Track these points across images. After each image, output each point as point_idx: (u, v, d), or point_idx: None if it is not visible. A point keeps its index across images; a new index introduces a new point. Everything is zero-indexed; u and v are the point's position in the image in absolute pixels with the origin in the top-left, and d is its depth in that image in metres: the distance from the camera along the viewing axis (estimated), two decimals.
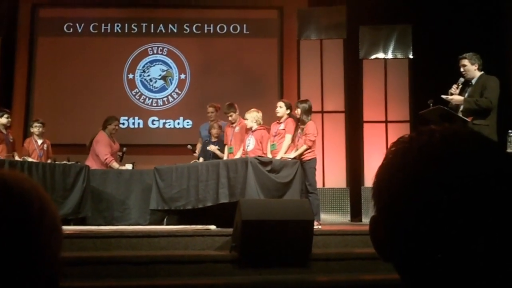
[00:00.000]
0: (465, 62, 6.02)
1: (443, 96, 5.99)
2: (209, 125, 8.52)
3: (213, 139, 8.34)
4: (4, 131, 8.05)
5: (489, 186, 0.73)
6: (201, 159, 8.22)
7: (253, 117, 7.52)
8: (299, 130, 7.18)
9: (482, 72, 6.05)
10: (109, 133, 8.57)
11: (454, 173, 0.73)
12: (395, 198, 0.77)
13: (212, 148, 8.14)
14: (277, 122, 7.46)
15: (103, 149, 8.38)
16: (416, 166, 0.76)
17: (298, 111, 7.22)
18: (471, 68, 6.00)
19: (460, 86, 6.00)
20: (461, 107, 5.94)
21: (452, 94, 6.00)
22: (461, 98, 5.91)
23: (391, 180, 0.79)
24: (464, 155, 0.75)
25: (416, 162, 0.76)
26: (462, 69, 6.04)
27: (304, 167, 7.05)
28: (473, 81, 6.03)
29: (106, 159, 8.32)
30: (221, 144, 8.22)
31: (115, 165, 8.27)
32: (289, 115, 7.43)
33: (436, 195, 0.73)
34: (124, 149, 8.71)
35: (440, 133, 0.79)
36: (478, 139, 0.78)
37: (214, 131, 8.33)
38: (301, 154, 7.03)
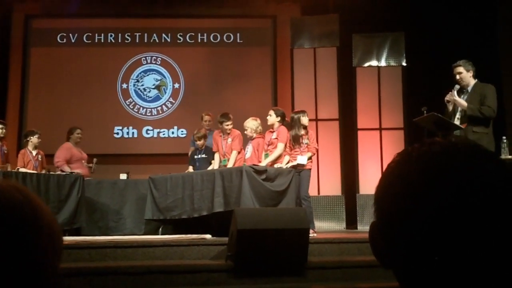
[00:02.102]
0: (461, 69, 5.98)
1: (447, 97, 5.94)
2: (198, 134, 8.39)
3: (200, 148, 8.31)
4: None
5: (489, 197, 0.73)
6: (190, 168, 8.20)
7: (252, 126, 7.52)
8: (306, 140, 7.21)
9: (477, 80, 6.03)
10: (74, 143, 8.54)
11: (453, 183, 0.74)
12: (394, 206, 0.78)
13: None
14: (270, 131, 7.47)
15: (58, 154, 8.38)
16: (414, 176, 0.77)
17: (306, 120, 7.28)
18: (466, 75, 5.97)
19: (455, 93, 5.95)
20: (457, 115, 5.92)
21: (448, 102, 5.97)
22: (465, 103, 5.85)
23: (390, 188, 0.80)
24: (463, 166, 0.76)
25: (414, 172, 0.77)
26: (458, 77, 6.00)
27: (301, 174, 7.07)
28: (469, 89, 5.99)
29: (57, 161, 8.28)
30: (208, 152, 8.20)
31: (66, 168, 8.19)
32: (281, 123, 7.44)
33: (435, 204, 0.74)
34: (95, 159, 8.68)
35: (441, 144, 0.80)
36: (478, 151, 0.79)
37: (198, 143, 8.29)
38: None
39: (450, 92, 5.97)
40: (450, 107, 5.96)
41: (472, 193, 0.73)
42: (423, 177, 0.76)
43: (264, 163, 7.10)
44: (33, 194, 0.81)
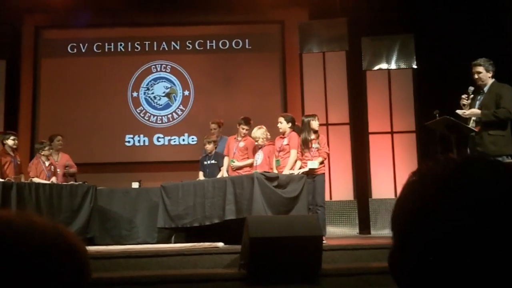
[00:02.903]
0: (480, 69, 5.77)
1: (459, 112, 5.74)
2: (207, 140, 8.44)
3: (209, 154, 8.32)
4: (11, 153, 8.08)
5: (508, 217, 0.72)
6: (201, 174, 8.21)
7: (260, 136, 7.52)
8: (315, 144, 7.19)
9: (494, 80, 5.83)
10: (55, 150, 8.58)
11: (469, 204, 0.73)
12: (412, 228, 0.77)
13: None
14: (281, 137, 7.46)
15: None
16: (430, 198, 0.76)
17: (316, 125, 7.26)
18: (485, 75, 5.77)
19: (471, 95, 5.80)
20: (473, 118, 5.79)
21: (464, 105, 5.79)
22: (477, 111, 5.69)
23: (407, 212, 0.79)
24: (479, 185, 0.75)
25: (430, 194, 0.76)
26: (476, 76, 5.80)
27: (316, 180, 7.06)
28: (485, 89, 5.81)
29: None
30: (217, 158, 8.22)
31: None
32: (292, 128, 7.43)
33: (453, 226, 0.73)
34: (67, 167, 8.72)
35: (456, 163, 0.79)
36: (493, 168, 0.78)
37: (206, 147, 8.31)
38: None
39: (463, 96, 5.82)
40: (467, 111, 5.79)
41: (490, 213, 0.72)
42: (439, 199, 0.75)
43: (285, 171, 7.07)
44: (58, 225, 0.79)
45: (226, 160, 8.02)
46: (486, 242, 0.71)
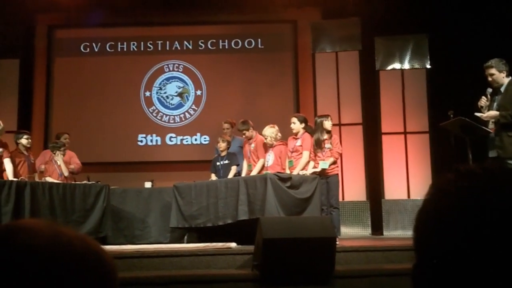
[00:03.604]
0: (493, 71, 5.70)
1: (477, 114, 5.66)
2: (221, 139, 8.45)
3: (222, 154, 8.31)
4: (24, 152, 8.12)
5: None
6: (213, 176, 8.20)
7: (270, 134, 7.50)
8: (328, 145, 7.16)
9: (510, 78, 5.74)
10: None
11: (495, 218, 0.72)
12: (434, 243, 0.76)
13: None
14: (294, 138, 7.44)
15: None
16: (455, 213, 0.74)
17: (329, 125, 7.23)
18: (499, 76, 5.69)
19: (489, 97, 5.72)
20: (491, 120, 5.70)
21: (481, 107, 5.70)
22: (495, 113, 5.60)
23: (429, 225, 0.78)
24: (505, 199, 0.73)
25: (455, 208, 0.75)
26: (490, 78, 5.72)
27: (329, 181, 7.04)
28: (502, 89, 5.72)
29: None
30: (230, 158, 8.21)
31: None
32: (305, 128, 7.41)
33: (477, 240, 0.71)
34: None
35: (481, 176, 0.77)
36: None
37: (219, 145, 8.29)
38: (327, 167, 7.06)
39: (483, 98, 5.72)
40: (485, 114, 5.68)
41: None
42: (462, 214, 0.73)
43: (295, 172, 7.05)
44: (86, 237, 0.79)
45: (244, 165, 8.02)
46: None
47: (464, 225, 0.73)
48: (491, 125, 5.65)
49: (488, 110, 5.71)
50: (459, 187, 0.77)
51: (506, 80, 5.75)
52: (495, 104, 5.74)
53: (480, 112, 5.73)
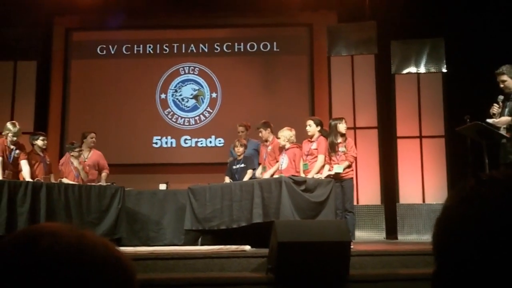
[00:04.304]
0: (504, 77, 5.73)
1: (489, 121, 5.66)
2: (237, 143, 8.46)
3: (238, 158, 8.30)
4: (40, 153, 8.18)
5: None
6: (227, 178, 8.20)
7: (285, 136, 7.51)
8: (342, 148, 7.14)
9: None
10: (87, 147, 8.66)
11: None
12: (455, 251, 0.75)
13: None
14: (309, 141, 7.42)
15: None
16: (477, 221, 0.74)
17: (343, 128, 7.20)
18: (511, 82, 5.73)
19: (501, 103, 5.74)
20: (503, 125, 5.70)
21: (494, 114, 5.72)
22: (508, 118, 5.63)
23: (449, 232, 0.77)
24: None
25: (477, 216, 0.74)
26: (501, 85, 5.76)
27: (344, 185, 7.01)
28: None
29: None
30: (247, 162, 8.20)
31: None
32: (320, 132, 7.40)
33: (497, 249, 0.71)
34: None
35: (503, 183, 0.76)
36: None
37: (237, 150, 8.30)
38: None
39: (495, 105, 5.73)
40: (497, 119, 5.69)
41: None
42: (484, 223, 0.73)
43: (310, 176, 7.04)
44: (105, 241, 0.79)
45: (261, 168, 8.04)
46: None
47: (487, 233, 0.72)
48: (502, 131, 5.64)
49: (500, 117, 5.69)
50: (481, 194, 0.76)
51: None
52: (506, 110, 5.75)
53: (493, 119, 5.70)
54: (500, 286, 0.70)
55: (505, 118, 5.66)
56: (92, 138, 8.71)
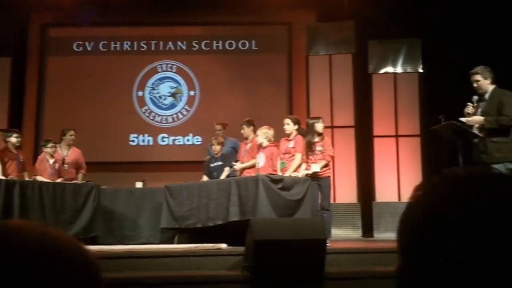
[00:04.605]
0: (478, 77, 5.87)
1: (462, 119, 5.79)
2: (215, 141, 8.45)
3: (216, 156, 8.29)
4: (14, 150, 8.07)
5: None
6: (205, 178, 8.18)
7: (263, 133, 7.51)
8: (319, 147, 7.17)
9: (495, 86, 5.91)
10: (66, 144, 8.61)
11: (482, 221, 0.71)
12: (418, 246, 0.76)
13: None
14: (286, 139, 7.44)
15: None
16: (440, 216, 0.74)
17: (320, 127, 7.23)
18: (484, 83, 5.86)
19: (475, 104, 5.86)
20: (476, 125, 5.82)
21: (468, 114, 5.83)
22: (481, 118, 5.75)
23: (412, 228, 0.78)
24: (489, 203, 0.73)
25: (439, 212, 0.75)
26: (475, 85, 5.89)
27: (321, 183, 7.04)
28: (487, 96, 5.89)
29: None
30: (224, 159, 8.19)
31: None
32: (298, 130, 7.42)
33: (459, 244, 0.71)
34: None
35: (465, 179, 0.77)
36: (505, 183, 0.76)
37: (214, 148, 8.28)
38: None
39: (469, 105, 5.84)
40: (470, 118, 5.79)
41: (499, 234, 0.71)
42: (446, 218, 0.73)
43: (287, 174, 7.06)
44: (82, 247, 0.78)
45: (238, 164, 8.04)
46: (497, 261, 0.70)
47: (449, 230, 0.73)
48: (475, 130, 5.75)
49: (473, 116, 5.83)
50: (444, 191, 0.76)
51: (490, 88, 5.91)
52: (480, 110, 5.88)
53: (466, 118, 5.84)
54: (461, 281, 0.71)
55: (478, 118, 5.78)
56: (71, 135, 8.63)
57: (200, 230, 7.29)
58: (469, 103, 5.86)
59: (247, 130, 8.08)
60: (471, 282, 0.70)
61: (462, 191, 0.75)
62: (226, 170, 8.02)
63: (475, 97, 5.88)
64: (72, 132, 8.65)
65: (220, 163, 8.16)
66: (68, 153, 8.57)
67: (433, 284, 0.73)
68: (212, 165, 8.23)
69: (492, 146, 5.70)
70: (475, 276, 0.70)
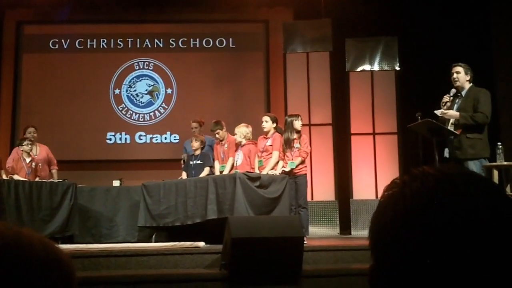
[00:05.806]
0: (459, 69, 5.97)
1: (437, 112, 5.88)
2: (195, 139, 8.42)
3: (195, 154, 8.25)
4: None
5: (488, 229, 0.72)
6: (184, 174, 8.15)
7: (241, 132, 7.51)
8: (297, 144, 7.18)
9: (472, 84, 6.02)
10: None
11: (450, 219, 0.72)
12: (388, 246, 0.76)
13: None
14: (264, 137, 7.44)
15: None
16: (409, 215, 0.75)
17: (299, 125, 7.23)
18: (464, 77, 5.96)
19: (452, 97, 5.96)
20: (452, 120, 5.91)
21: (444, 104, 5.92)
22: (456, 113, 5.85)
23: (383, 227, 0.78)
24: (459, 202, 0.74)
25: (409, 210, 0.75)
26: (454, 76, 5.98)
27: (297, 181, 7.06)
28: (463, 93, 5.99)
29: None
30: (203, 158, 8.17)
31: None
32: (276, 128, 7.43)
33: (433, 242, 0.72)
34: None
35: (434, 177, 0.77)
36: (474, 183, 0.77)
37: (192, 144, 8.25)
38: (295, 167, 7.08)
39: (446, 96, 5.94)
40: (445, 111, 5.89)
41: (469, 231, 0.71)
42: (416, 217, 0.74)
43: (264, 172, 7.06)
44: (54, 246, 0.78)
45: (217, 165, 7.98)
46: (466, 259, 0.71)
47: (416, 228, 0.73)
48: (450, 126, 5.83)
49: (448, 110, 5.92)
50: (412, 188, 0.77)
51: (468, 85, 6.01)
52: (456, 106, 5.97)
53: (442, 109, 5.91)
54: (430, 279, 0.72)
55: (454, 112, 5.87)
56: (30, 133, 8.50)
57: (178, 229, 7.27)
58: (446, 95, 5.94)
59: (222, 133, 8.00)
60: (440, 280, 0.71)
61: (430, 189, 0.76)
62: (206, 170, 7.99)
63: (453, 90, 5.97)
64: (30, 130, 8.55)
65: (199, 161, 8.15)
66: (37, 151, 8.47)
67: (403, 282, 0.74)
68: (191, 162, 8.20)
69: (466, 142, 5.78)
70: (444, 274, 0.71)
